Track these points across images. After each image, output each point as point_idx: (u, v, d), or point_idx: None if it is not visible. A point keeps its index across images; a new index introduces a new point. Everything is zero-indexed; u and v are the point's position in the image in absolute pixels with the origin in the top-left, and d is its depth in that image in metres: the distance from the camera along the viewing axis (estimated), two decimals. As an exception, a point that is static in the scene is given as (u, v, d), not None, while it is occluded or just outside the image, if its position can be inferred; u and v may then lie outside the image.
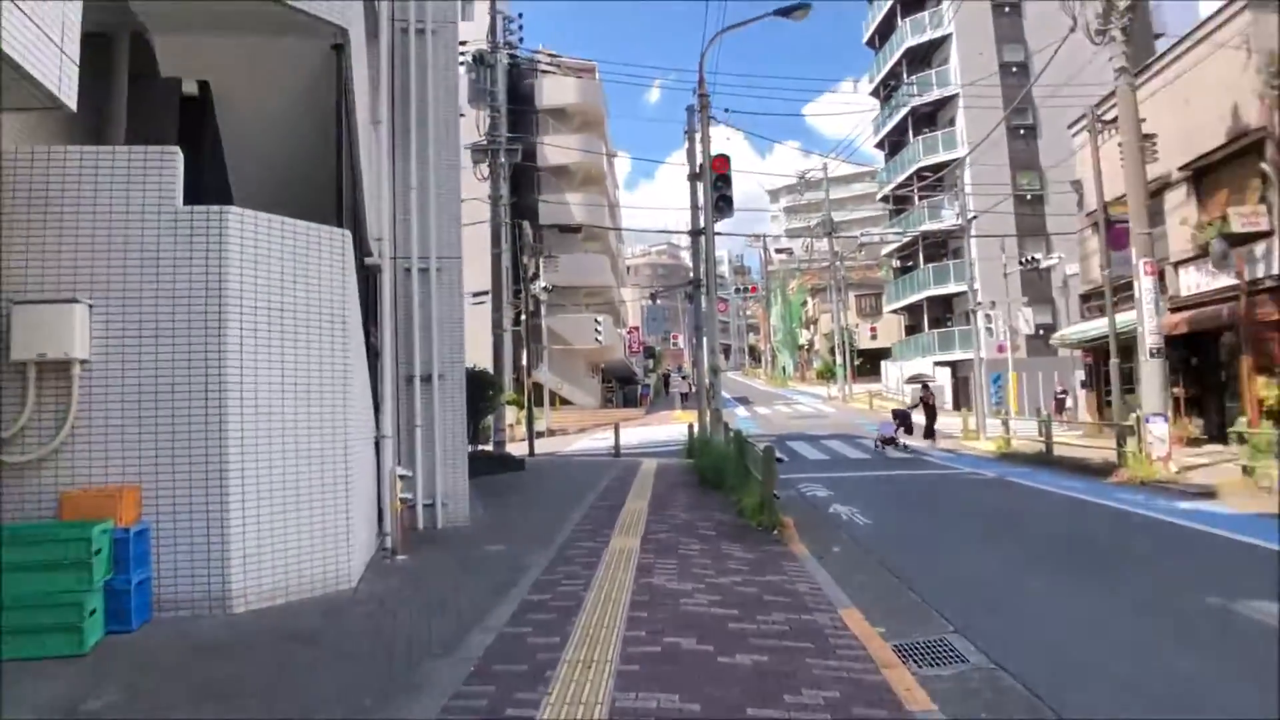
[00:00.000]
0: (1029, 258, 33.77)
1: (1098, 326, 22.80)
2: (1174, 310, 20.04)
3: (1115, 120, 17.71)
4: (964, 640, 6.15)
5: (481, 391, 21.24)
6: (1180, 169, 19.10)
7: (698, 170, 19.06)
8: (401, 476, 8.77)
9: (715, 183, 17.57)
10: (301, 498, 6.72)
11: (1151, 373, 14.96)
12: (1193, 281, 19.39)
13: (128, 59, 7.86)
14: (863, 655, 5.48)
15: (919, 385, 26.40)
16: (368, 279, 9.57)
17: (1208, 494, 12.93)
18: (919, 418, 24.43)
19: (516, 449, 26.79)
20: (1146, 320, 14.97)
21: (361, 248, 9.14)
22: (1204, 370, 19.90)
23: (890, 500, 13.66)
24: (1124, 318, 21.89)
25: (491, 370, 24.19)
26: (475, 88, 25.17)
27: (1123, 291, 22.36)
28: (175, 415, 6.15)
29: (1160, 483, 14.14)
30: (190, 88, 7.93)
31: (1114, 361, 17.66)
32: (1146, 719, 4.85)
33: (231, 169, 8.97)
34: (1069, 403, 29.94)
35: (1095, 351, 24.40)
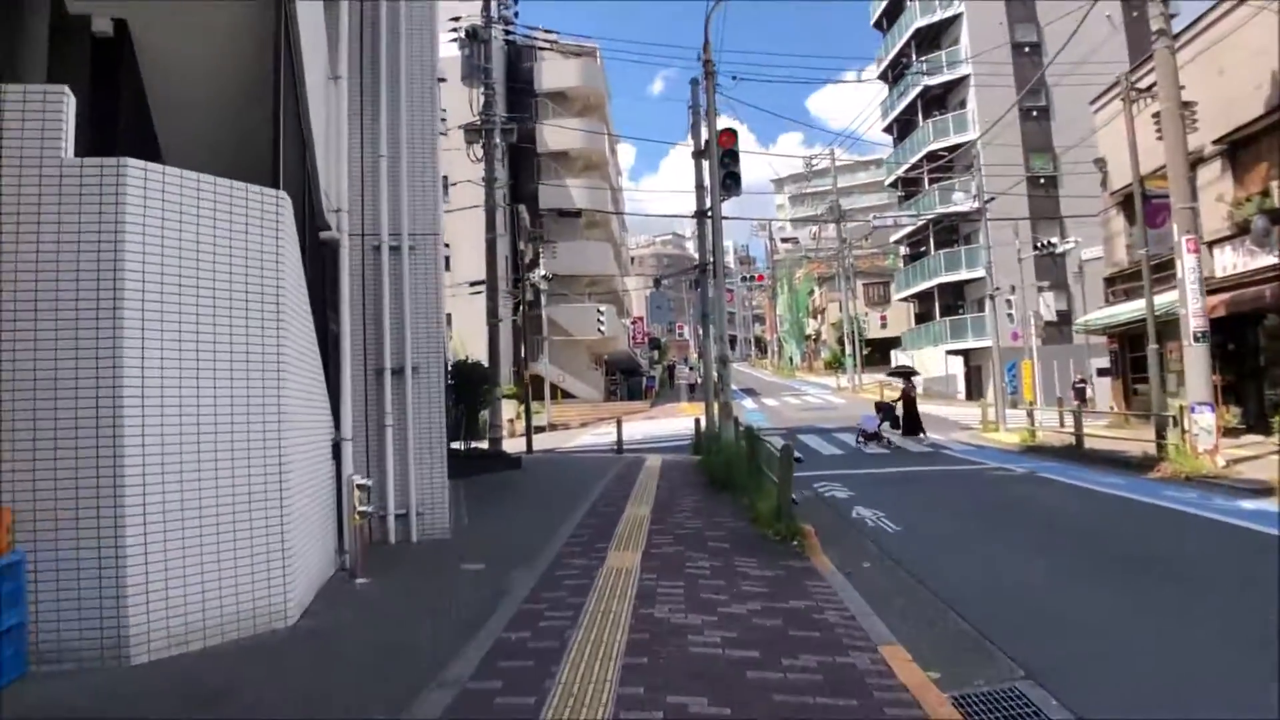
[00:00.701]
0: (1045, 242, 32.50)
1: (1125, 311, 21.54)
2: (1209, 292, 18.69)
3: (1150, 88, 16.38)
4: (1039, 689, 4.94)
5: (474, 385, 20.07)
6: (1215, 142, 17.78)
7: (703, 146, 17.83)
8: (360, 486, 7.55)
9: (722, 159, 16.32)
10: (222, 517, 5.48)
11: (1196, 359, 13.68)
12: (1229, 261, 18.08)
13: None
14: (920, 719, 4.27)
15: (901, 377, 24.40)
16: (325, 256, 8.36)
17: (1266, 491, 11.67)
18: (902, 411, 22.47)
19: (516, 445, 25.62)
20: (1190, 302, 13.68)
21: (314, 219, 7.93)
22: (1242, 356, 18.60)
23: (918, 502, 12.42)
24: (1139, 304, 20.63)
25: (486, 362, 23.01)
26: (469, 64, 23.91)
27: (1154, 273, 21.09)
28: (58, 417, 4.92)
29: (1209, 478, 12.89)
30: (103, 26, 6.68)
31: (1152, 348, 16.33)
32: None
33: (164, 128, 7.76)
34: (1089, 392, 28.66)
35: (1120, 337, 23.13)
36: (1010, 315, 25.42)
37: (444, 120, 20.18)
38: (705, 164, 17.83)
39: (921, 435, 21.54)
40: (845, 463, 17.66)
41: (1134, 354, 22.77)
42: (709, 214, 17.32)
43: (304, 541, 6.37)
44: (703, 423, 20.36)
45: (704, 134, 17.72)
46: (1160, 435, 14.91)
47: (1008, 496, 12.60)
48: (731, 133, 16.62)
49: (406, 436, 9.44)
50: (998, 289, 25.77)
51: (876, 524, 10.37)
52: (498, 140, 24.01)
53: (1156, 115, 15.34)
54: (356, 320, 9.46)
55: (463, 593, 6.97)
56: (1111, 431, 19.19)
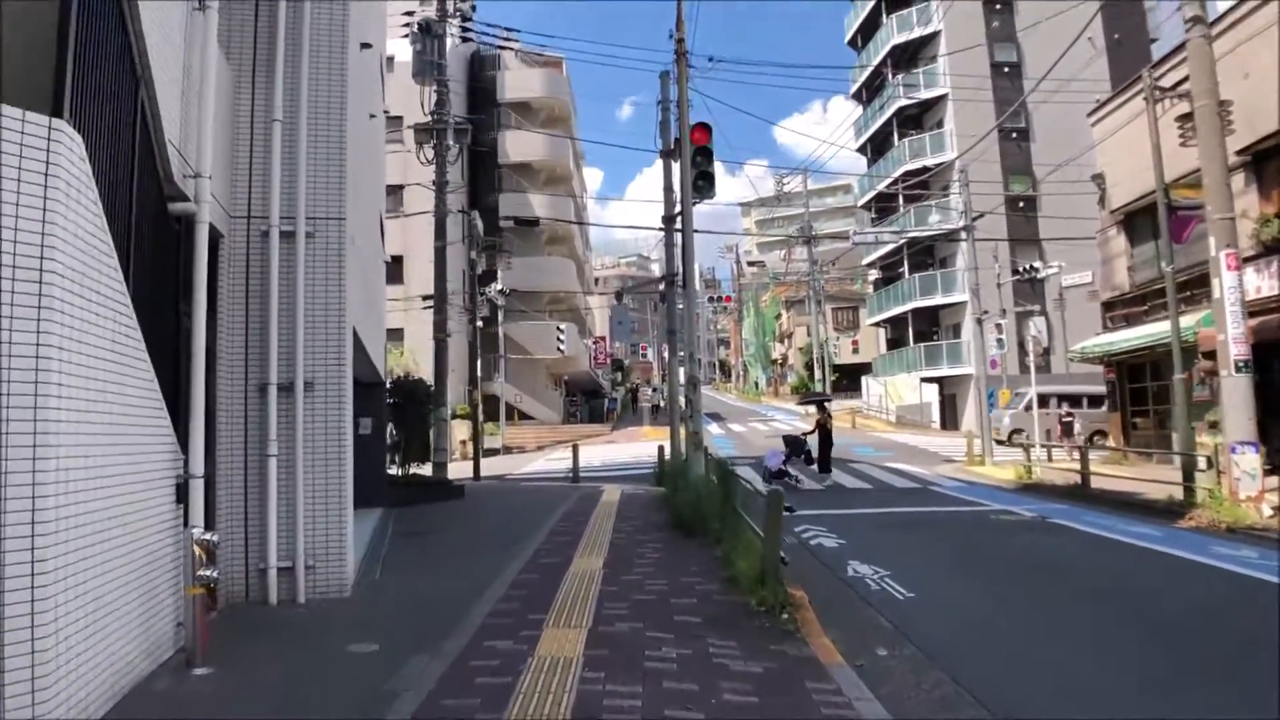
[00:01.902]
0: (1028, 266, 31.04)
1: (1126, 338, 19.98)
2: (1222, 320, 17.22)
3: (1176, 87, 14.82)
4: None
5: (417, 405, 18.07)
6: (1238, 153, 16.22)
7: (672, 145, 16.03)
8: (203, 543, 5.54)
9: (694, 157, 14.52)
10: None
11: (1236, 391, 11.93)
12: (1252, 284, 16.52)
13: None
14: None
15: (815, 405, 21.79)
16: (180, 236, 6.38)
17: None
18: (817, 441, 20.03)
19: (466, 469, 23.57)
20: (1230, 326, 11.96)
21: (158, 183, 5.96)
22: (1267, 388, 17.02)
23: (922, 554, 10.56)
24: (1152, 329, 19.12)
25: (433, 380, 21.04)
26: (420, 60, 22.02)
27: (1157, 298, 19.57)
28: None
29: (1254, 530, 11.15)
30: None
31: (1178, 377, 14.59)
32: None
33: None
34: (1077, 426, 27.09)
35: (1119, 367, 21.58)
36: (1000, 340, 23.80)
37: (387, 112, 18.29)
38: (675, 165, 16.06)
39: (825, 476, 19.08)
40: (827, 500, 15.83)
41: (1134, 385, 21.24)
42: (678, 218, 15.52)
43: (90, 630, 4.38)
44: (667, 450, 18.52)
45: (674, 130, 15.95)
46: (1188, 477, 13.20)
47: (1028, 550, 10.72)
48: (705, 128, 14.84)
49: (295, 469, 7.45)
50: (985, 312, 24.17)
51: (881, 587, 8.48)
52: (451, 142, 22.12)
53: (1182, 119, 13.76)
54: (236, 322, 7.50)
55: (335, 692, 5.02)
56: (1110, 468, 17.50)
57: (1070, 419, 26.95)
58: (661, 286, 18.03)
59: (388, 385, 17.64)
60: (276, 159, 7.57)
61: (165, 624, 5.66)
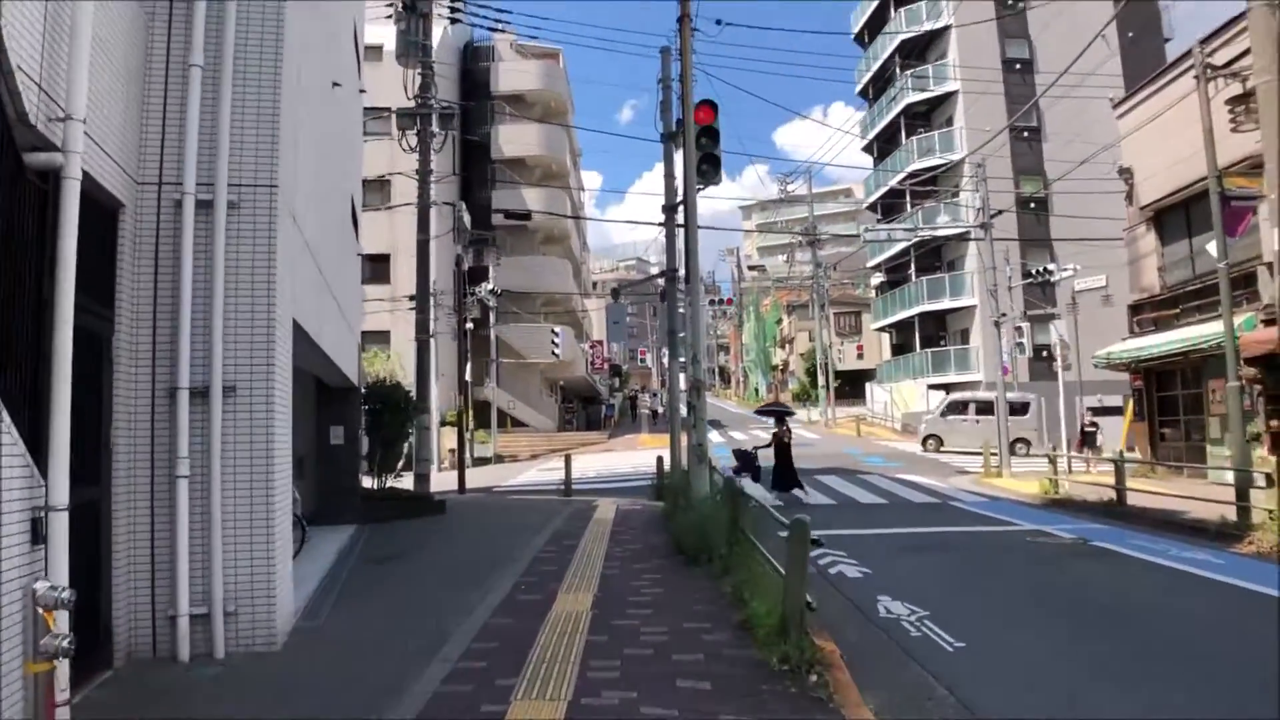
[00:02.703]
0: (1041, 269, 29.69)
1: (1159, 343, 18.61)
2: (1267, 323, 15.85)
3: (1232, 64, 13.46)
4: None
5: (394, 412, 16.67)
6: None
7: (674, 126, 14.65)
8: (48, 602, 4.15)
9: (699, 138, 13.14)
10: None
11: (1308, 401, 10.61)
12: (1301, 285, 15.17)
13: None
14: None
15: (773, 417, 19.76)
16: (47, 198, 5.00)
17: None
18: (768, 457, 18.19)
19: (452, 480, 22.16)
20: (1302, 328, 10.63)
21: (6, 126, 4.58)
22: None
23: (961, 586, 9.18)
24: (1186, 334, 17.77)
25: (415, 385, 19.68)
26: (404, 40, 20.64)
27: (1191, 300, 18.23)
28: None
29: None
30: None
31: (1233, 384, 13.13)
32: None
33: None
34: (1099, 438, 25.66)
35: (1147, 374, 20.21)
36: (1021, 345, 22.45)
37: (364, 91, 16.95)
38: (677, 153, 14.70)
39: (801, 492, 17.19)
40: (842, 518, 14.43)
41: (1163, 393, 19.87)
42: (680, 208, 14.14)
43: None
44: (666, 461, 17.15)
45: (676, 112, 14.58)
46: (1242, 496, 11.84)
47: (1082, 582, 9.27)
48: (711, 106, 13.44)
49: (211, 493, 6.08)
50: (1003, 315, 22.79)
51: (923, 632, 7.09)
52: (436, 128, 20.80)
53: (1232, 101, 12.42)
54: (142, 312, 6.13)
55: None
56: (1140, 483, 16.09)
57: (1093, 429, 25.43)
58: (661, 284, 16.64)
59: (363, 391, 16.27)
60: (194, 112, 6.21)
61: (14, 711, 4.27)
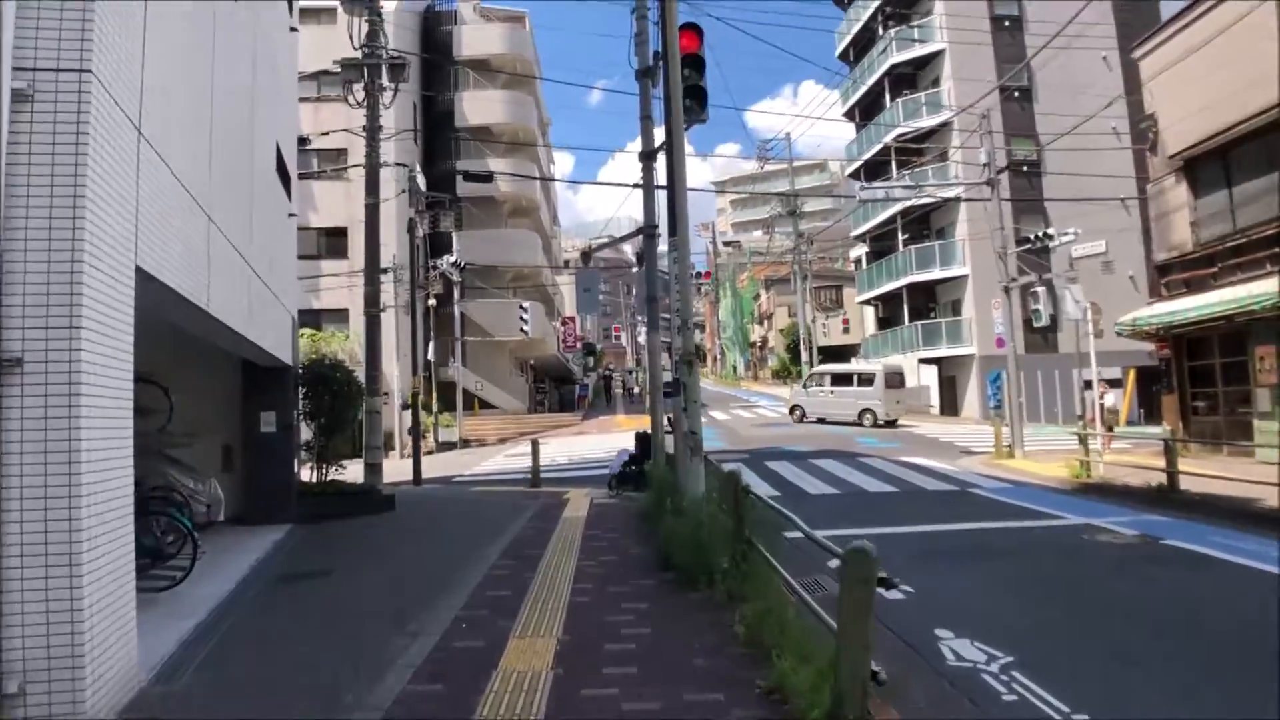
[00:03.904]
0: (1041, 233, 27.81)
1: (1195, 306, 16.69)
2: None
3: None
4: None
5: (335, 395, 14.53)
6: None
7: (651, 61, 12.55)
8: None
9: (682, 70, 11.04)
10: None
11: None
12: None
13: None
14: None
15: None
16: None
17: None
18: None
19: (408, 469, 20.06)
20: None
21: None
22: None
23: (1034, 610, 7.11)
24: (1227, 295, 15.93)
25: (364, 364, 17.55)
26: (350, -17, 18.32)
27: (1231, 258, 16.36)
28: None
29: None
30: None
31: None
32: None
33: None
34: (1110, 399, 23.81)
35: (1177, 342, 18.33)
36: (1037, 312, 20.49)
37: (295, 29, 14.69)
38: (655, 90, 12.63)
39: None
40: (851, 511, 12.46)
41: (1195, 362, 18.00)
42: (659, 153, 12.05)
43: None
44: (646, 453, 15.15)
45: (653, 43, 12.46)
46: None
47: (1188, 600, 7.31)
48: (695, 31, 11.34)
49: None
50: (1013, 279, 20.86)
51: (1017, 693, 5.06)
52: (386, 81, 18.50)
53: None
54: None
55: None
56: (1158, 462, 13.97)
57: (1102, 402, 23.60)
58: (636, 248, 14.56)
59: (299, 371, 14.14)
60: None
61: None
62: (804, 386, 33.86)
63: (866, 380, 30.62)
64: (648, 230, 12.81)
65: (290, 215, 13.79)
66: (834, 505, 13.08)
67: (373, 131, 18.34)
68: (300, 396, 14.05)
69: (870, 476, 16.21)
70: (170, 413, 10.32)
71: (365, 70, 18.25)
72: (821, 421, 30.69)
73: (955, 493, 14.26)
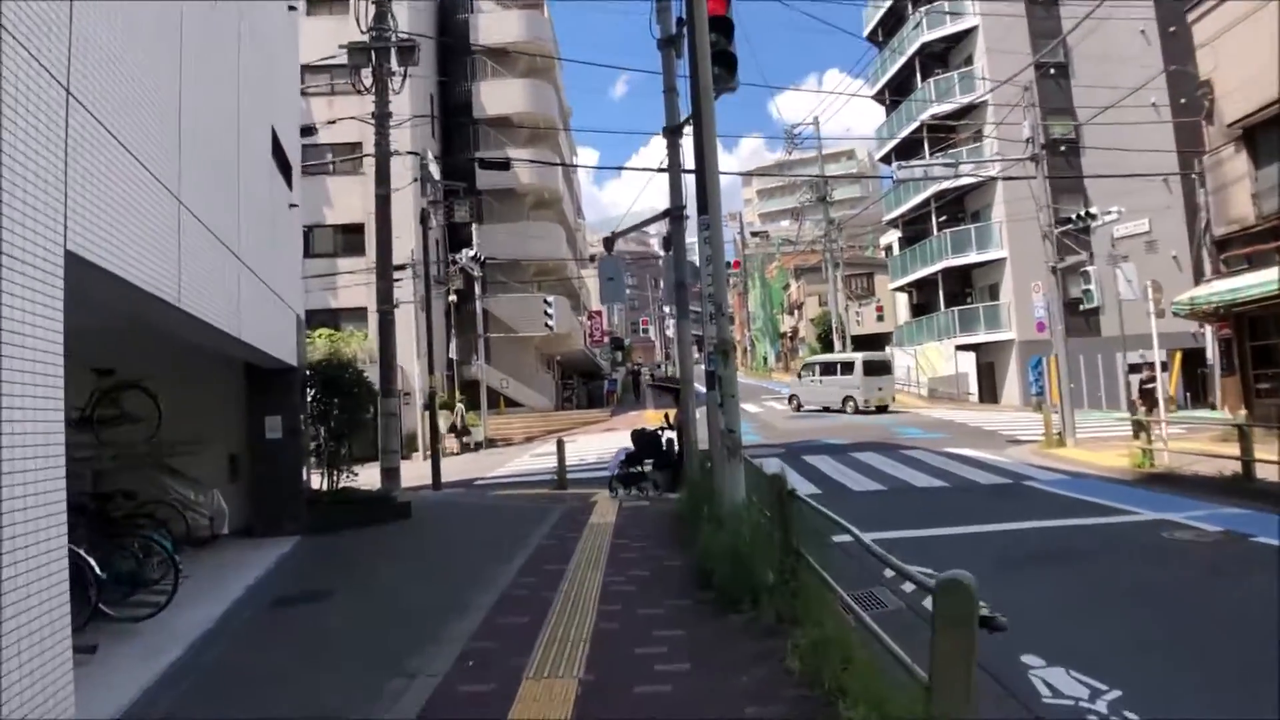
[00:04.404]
0: (1084, 213, 26.58)
1: (1261, 282, 15.55)
2: None
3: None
4: None
5: (347, 397, 13.74)
6: None
7: (674, 29, 11.64)
8: None
9: (710, 32, 10.11)
10: None
11: None
12: None
13: None
14: None
15: (672, 395, 14.94)
16: None
17: None
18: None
19: (429, 472, 19.26)
20: None
21: None
22: None
23: (1130, 627, 6.14)
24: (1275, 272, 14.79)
25: (378, 363, 16.84)
26: (354, -38, 17.59)
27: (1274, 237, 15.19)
28: None
29: None
30: None
31: None
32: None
33: None
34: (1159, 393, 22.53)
35: (1237, 320, 17.19)
36: (1088, 292, 19.35)
37: (294, 8, 13.86)
38: (679, 60, 11.72)
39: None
40: (901, 510, 11.49)
41: (1259, 342, 16.85)
42: (686, 127, 11.14)
43: None
44: (675, 441, 14.33)
45: (676, 10, 11.55)
46: None
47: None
48: (723, -10, 10.45)
49: None
50: (1061, 259, 19.72)
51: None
52: (395, 66, 17.72)
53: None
54: None
55: None
56: (1229, 448, 12.81)
57: (1152, 383, 22.22)
58: (662, 231, 13.64)
59: (307, 372, 13.38)
60: None
61: None
62: (799, 376, 35.90)
63: (848, 368, 32.05)
64: (675, 212, 11.91)
65: (292, 206, 12.97)
66: (880, 503, 12.13)
67: (382, 117, 17.59)
68: (309, 400, 13.31)
69: (916, 470, 15.22)
70: (159, 421, 9.58)
71: (373, 54, 17.52)
72: (825, 410, 32.25)
73: (1010, 486, 13.26)
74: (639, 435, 14.41)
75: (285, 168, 12.61)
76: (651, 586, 7.22)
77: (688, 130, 11.52)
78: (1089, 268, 19.23)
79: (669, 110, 11.95)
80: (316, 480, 13.48)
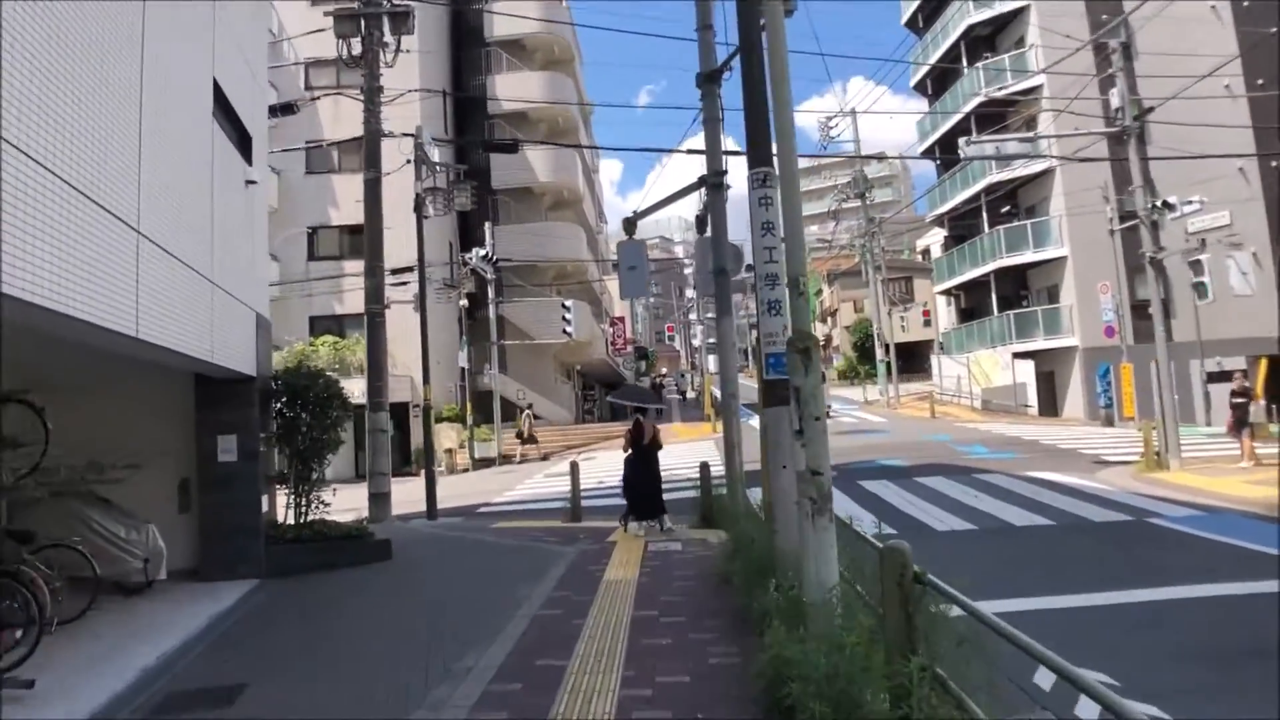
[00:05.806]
0: (1160, 203, 23.88)
1: None
2: None
3: None
4: None
5: (312, 412, 11.34)
6: None
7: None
8: None
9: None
10: None
11: None
12: None
13: None
14: None
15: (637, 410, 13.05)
16: None
17: None
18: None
19: (444, 488, 16.86)
20: None
21: None
22: None
23: None
24: None
25: (366, 373, 14.60)
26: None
27: None
28: None
29: None
30: None
31: None
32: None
33: None
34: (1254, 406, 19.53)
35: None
36: (1202, 284, 16.72)
37: None
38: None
39: (661, 523, 11.29)
40: (1002, 565, 8.95)
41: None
42: (725, 72, 8.75)
43: None
44: (711, 465, 11.97)
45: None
46: None
47: None
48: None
49: None
50: (1162, 248, 17.09)
51: None
52: (385, 33, 15.49)
53: None
54: None
55: None
56: None
57: (1245, 398, 19.22)
58: (697, 207, 11.22)
59: (274, 384, 11.07)
60: None
61: None
62: None
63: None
64: (714, 178, 9.47)
65: (249, 183, 10.65)
66: (977, 549, 9.60)
67: (371, 91, 15.41)
68: (276, 416, 10.99)
69: (1003, 501, 12.63)
70: (46, 444, 7.33)
71: (362, 21, 15.30)
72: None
73: (1131, 525, 10.65)
74: (630, 460, 11.74)
75: (243, 136, 10.43)
76: (692, 704, 4.75)
77: (726, 78, 9.14)
78: (1200, 257, 16.49)
79: (703, 54, 9.52)
80: (283, 511, 11.14)
